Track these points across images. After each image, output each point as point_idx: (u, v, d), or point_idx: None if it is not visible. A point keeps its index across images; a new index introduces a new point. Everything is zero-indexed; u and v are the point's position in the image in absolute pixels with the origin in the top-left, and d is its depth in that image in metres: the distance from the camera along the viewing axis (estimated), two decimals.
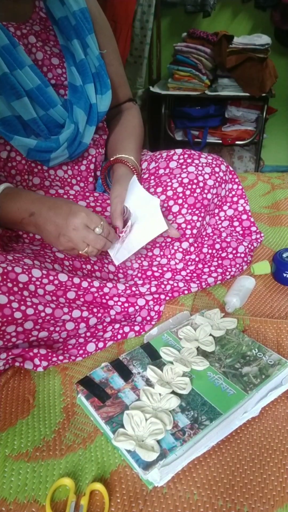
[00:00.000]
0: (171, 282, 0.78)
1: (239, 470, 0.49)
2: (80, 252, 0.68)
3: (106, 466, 0.50)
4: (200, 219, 0.82)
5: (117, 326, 0.70)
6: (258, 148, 2.45)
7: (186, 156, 0.85)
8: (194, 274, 0.82)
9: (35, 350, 0.63)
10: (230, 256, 0.85)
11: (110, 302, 0.70)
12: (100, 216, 0.68)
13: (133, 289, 0.73)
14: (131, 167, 0.85)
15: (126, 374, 0.59)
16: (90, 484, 0.47)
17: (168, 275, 0.80)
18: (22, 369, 0.65)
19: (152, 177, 0.87)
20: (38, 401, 0.60)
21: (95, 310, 0.69)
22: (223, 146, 2.50)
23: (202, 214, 0.83)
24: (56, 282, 0.64)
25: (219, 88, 2.30)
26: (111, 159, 0.87)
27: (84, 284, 0.68)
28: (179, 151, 0.86)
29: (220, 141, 2.46)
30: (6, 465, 0.51)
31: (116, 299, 0.71)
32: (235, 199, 0.89)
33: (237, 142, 2.44)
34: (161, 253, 0.82)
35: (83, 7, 0.80)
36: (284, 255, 0.84)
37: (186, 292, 0.78)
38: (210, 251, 0.84)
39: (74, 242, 0.66)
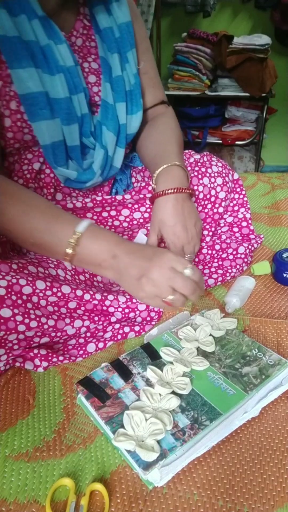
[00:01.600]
0: None
1: (239, 470, 0.49)
2: (164, 300, 0.59)
3: (106, 466, 0.50)
4: (210, 233, 0.83)
5: (117, 326, 0.70)
6: (258, 148, 2.46)
7: (199, 164, 0.81)
8: None
9: (36, 351, 0.63)
10: (231, 257, 0.85)
11: (111, 309, 0.70)
12: (188, 260, 0.61)
13: (134, 300, 0.72)
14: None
15: (126, 374, 0.59)
16: (90, 484, 0.47)
17: None
18: (22, 370, 0.65)
19: None
20: (38, 401, 0.60)
21: (96, 318, 0.69)
22: (223, 146, 2.50)
23: (213, 229, 0.83)
24: (59, 294, 0.63)
25: (219, 88, 2.31)
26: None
27: (87, 296, 0.67)
28: (191, 160, 0.82)
29: (220, 141, 2.46)
30: (6, 465, 0.51)
31: (116, 305, 0.71)
32: (236, 208, 0.89)
33: (237, 142, 2.44)
34: None
35: (129, 20, 0.76)
36: (284, 255, 0.84)
37: None
38: (209, 251, 0.84)
39: (158, 285, 0.58)
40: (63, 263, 0.69)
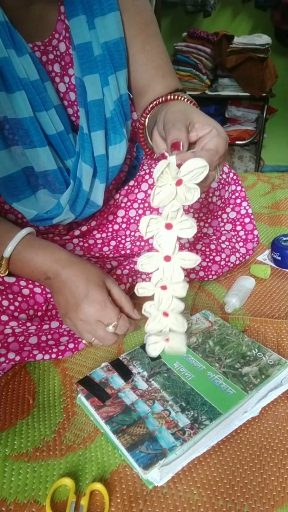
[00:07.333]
0: None
1: (239, 470, 0.49)
2: (83, 341, 0.63)
3: (106, 466, 0.50)
4: (206, 225, 0.82)
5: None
6: (258, 148, 2.46)
7: None
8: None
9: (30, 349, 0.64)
10: (222, 263, 0.84)
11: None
12: (118, 311, 0.58)
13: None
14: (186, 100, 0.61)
15: (126, 374, 0.59)
16: (90, 484, 0.47)
17: None
18: (22, 370, 0.65)
19: None
20: (38, 402, 0.60)
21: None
22: None
23: (209, 220, 0.83)
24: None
25: (219, 88, 2.31)
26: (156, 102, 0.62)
27: (45, 327, 0.66)
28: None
29: None
30: (6, 465, 0.51)
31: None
32: (238, 201, 0.88)
33: (237, 142, 2.44)
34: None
35: (118, 37, 0.63)
36: (283, 240, 0.88)
37: None
38: (203, 248, 0.83)
39: (78, 331, 0.60)
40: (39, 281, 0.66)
